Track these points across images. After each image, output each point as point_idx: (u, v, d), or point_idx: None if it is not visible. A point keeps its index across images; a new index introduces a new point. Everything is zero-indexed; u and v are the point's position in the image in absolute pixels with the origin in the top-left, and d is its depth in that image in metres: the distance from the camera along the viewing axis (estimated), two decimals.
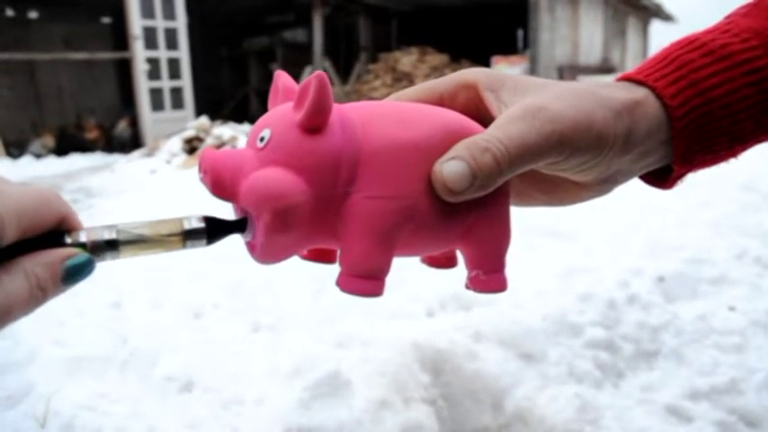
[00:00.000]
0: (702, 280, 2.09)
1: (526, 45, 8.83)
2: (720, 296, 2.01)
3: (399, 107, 0.33)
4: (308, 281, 2.09)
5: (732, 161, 0.36)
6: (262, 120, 0.32)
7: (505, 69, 8.13)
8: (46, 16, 8.61)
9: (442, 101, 0.36)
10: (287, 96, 0.33)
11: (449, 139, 0.31)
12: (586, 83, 0.34)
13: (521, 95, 0.33)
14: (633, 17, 12.75)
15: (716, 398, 1.52)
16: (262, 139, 0.30)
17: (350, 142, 0.30)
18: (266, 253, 0.30)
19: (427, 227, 0.31)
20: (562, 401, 1.48)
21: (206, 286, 2.13)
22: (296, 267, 2.17)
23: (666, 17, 13.94)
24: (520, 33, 9.30)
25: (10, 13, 8.22)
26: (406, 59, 9.54)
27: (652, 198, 3.01)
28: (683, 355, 1.71)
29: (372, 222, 0.30)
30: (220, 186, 0.29)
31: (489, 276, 0.34)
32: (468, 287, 0.35)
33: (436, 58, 9.57)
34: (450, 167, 0.30)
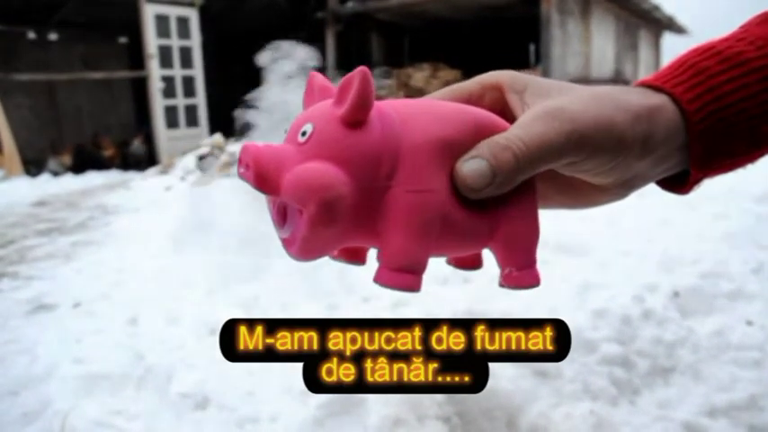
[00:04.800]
0: (719, 294, 2.06)
1: (538, 59, 8.83)
2: (737, 311, 1.98)
3: (434, 104, 0.34)
4: (322, 298, 2.10)
5: (749, 168, 0.36)
6: (302, 115, 0.32)
7: None
8: (65, 38, 8.79)
9: (470, 101, 0.37)
10: (323, 95, 0.34)
11: (479, 135, 0.32)
12: (606, 87, 0.35)
13: (543, 97, 0.34)
14: (645, 30, 12.71)
15: (735, 414, 1.50)
16: (303, 134, 0.31)
17: (390, 137, 0.31)
18: (306, 248, 0.30)
19: (458, 222, 0.32)
20: (577, 419, 1.47)
21: (222, 303, 2.15)
22: (309, 285, 2.19)
23: (679, 29, 13.87)
24: (532, 48, 9.31)
25: (32, 35, 8.42)
26: (419, 75, 9.57)
27: (666, 212, 2.99)
28: (700, 371, 1.69)
29: (413, 215, 0.30)
30: (263, 180, 0.29)
31: (522, 272, 0.34)
32: (501, 285, 0.35)
33: (449, 74, 9.59)
34: (471, 165, 0.31)
